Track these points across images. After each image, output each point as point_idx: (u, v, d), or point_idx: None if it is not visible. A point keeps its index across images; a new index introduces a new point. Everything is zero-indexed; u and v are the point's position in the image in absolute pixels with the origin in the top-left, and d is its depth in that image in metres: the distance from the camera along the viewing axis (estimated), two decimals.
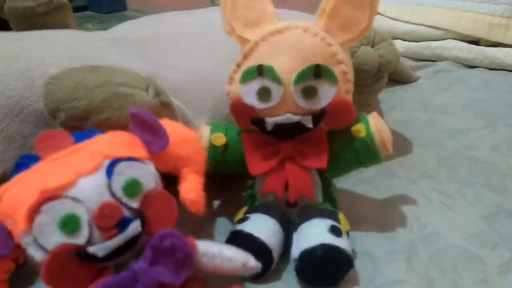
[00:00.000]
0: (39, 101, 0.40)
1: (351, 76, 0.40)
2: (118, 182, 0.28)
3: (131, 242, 0.28)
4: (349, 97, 0.40)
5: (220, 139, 0.44)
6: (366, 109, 0.43)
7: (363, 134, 0.41)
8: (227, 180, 0.55)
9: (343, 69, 0.39)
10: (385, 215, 0.48)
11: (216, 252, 0.33)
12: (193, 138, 0.37)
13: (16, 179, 0.28)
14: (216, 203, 0.52)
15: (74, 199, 0.26)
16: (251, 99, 0.40)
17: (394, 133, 0.66)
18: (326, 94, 0.39)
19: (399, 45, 1.04)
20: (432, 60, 1.01)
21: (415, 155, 0.61)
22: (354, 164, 0.43)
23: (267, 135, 0.42)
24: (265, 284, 0.40)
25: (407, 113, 0.74)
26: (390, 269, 0.40)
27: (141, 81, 0.39)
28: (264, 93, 0.39)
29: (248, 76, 0.40)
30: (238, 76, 0.41)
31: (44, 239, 0.25)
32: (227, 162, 0.45)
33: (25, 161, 0.29)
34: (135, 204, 0.29)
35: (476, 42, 1.00)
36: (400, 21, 1.06)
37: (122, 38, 0.54)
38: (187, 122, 0.46)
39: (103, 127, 0.35)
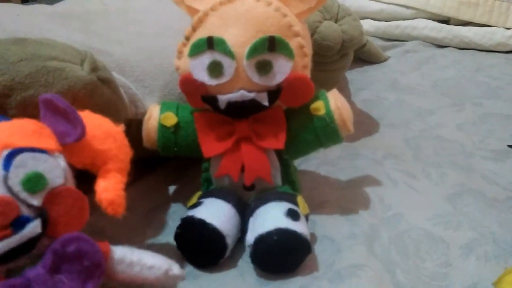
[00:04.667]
0: None
1: (308, 50, 0.38)
2: (17, 175, 0.24)
3: (28, 245, 0.25)
4: (307, 73, 0.38)
5: (171, 119, 0.41)
6: (332, 88, 0.41)
7: (322, 112, 0.39)
8: (185, 163, 0.52)
9: (300, 42, 0.36)
10: (348, 198, 0.46)
11: (135, 259, 0.29)
12: (118, 133, 0.32)
13: None
14: (172, 188, 0.49)
15: None
16: (201, 74, 0.37)
17: (361, 113, 0.65)
18: (282, 69, 0.36)
19: (369, 24, 1.02)
20: (402, 40, 1.00)
21: (381, 135, 0.59)
22: (313, 144, 0.41)
23: (220, 114, 0.39)
24: (219, 272, 0.38)
25: (375, 93, 0.72)
26: (350, 253, 0.39)
27: (76, 55, 0.35)
28: (215, 68, 0.36)
29: (197, 49, 0.36)
30: (187, 49, 0.38)
31: None
32: (179, 143, 0.42)
33: None
34: (36, 201, 0.25)
35: (446, 21, 0.99)
36: (371, 0, 1.04)
37: (66, 11, 0.50)
38: (135, 101, 0.43)
39: (28, 105, 0.31)
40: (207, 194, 0.41)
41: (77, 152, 0.29)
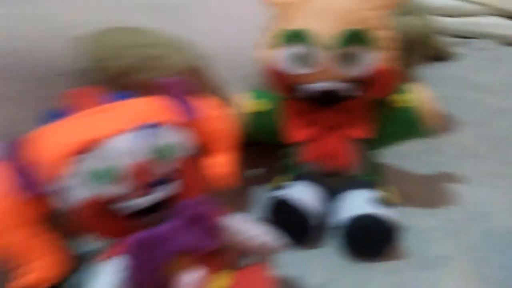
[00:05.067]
0: (78, 62, 0.39)
1: (395, 43, 0.38)
2: (155, 144, 0.27)
3: (162, 204, 0.28)
4: (392, 65, 0.38)
5: (260, 106, 0.43)
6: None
7: (407, 104, 0.39)
8: (265, 150, 0.53)
9: (387, 35, 0.37)
10: (433, 192, 0.46)
11: (241, 227, 0.32)
12: (226, 113, 0.36)
13: (54, 126, 0.27)
14: (252, 172, 0.51)
15: (110, 153, 0.26)
16: (287, 64, 0.38)
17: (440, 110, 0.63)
18: (368, 61, 0.36)
19: (438, 21, 0.98)
20: (471, 37, 0.96)
21: (462, 133, 0.57)
22: (397, 136, 0.41)
23: (307, 103, 0.40)
24: (303, 251, 0.39)
25: (450, 91, 0.70)
26: (437, 244, 0.38)
27: (176, 44, 0.38)
28: (301, 59, 0.37)
29: (284, 41, 0.37)
30: (273, 41, 0.39)
31: (79, 188, 0.25)
32: (266, 129, 0.43)
33: (54, 113, 0.29)
34: (170, 167, 0.28)
35: None
36: None
37: (151, 4, 0.53)
38: (218, 89, 0.45)
39: (137, 87, 0.34)
40: (292, 178, 0.41)
41: (196, 129, 0.32)
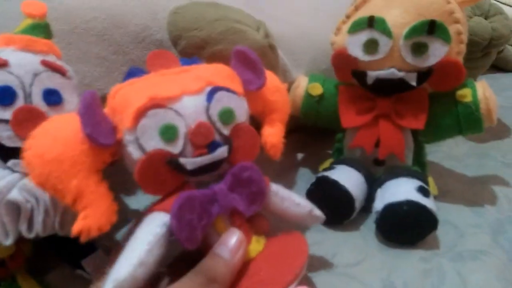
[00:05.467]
0: (160, 32, 0.44)
1: (465, 37, 0.39)
2: (216, 107, 0.29)
3: (216, 164, 0.29)
4: (460, 59, 0.39)
5: (317, 89, 0.45)
6: None
7: (468, 99, 0.40)
8: (313, 135, 0.56)
9: (459, 29, 0.38)
10: (473, 191, 0.47)
11: (286, 195, 0.34)
12: (284, 89, 0.38)
13: (130, 82, 0.29)
14: (300, 155, 0.54)
15: (177, 112, 0.27)
16: (356, 50, 0.40)
17: None
18: (437, 52, 0.38)
19: None
20: None
21: None
22: (452, 130, 0.42)
23: (365, 90, 0.42)
24: (342, 231, 0.41)
25: (508, 100, 0.69)
26: (474, 239, 0.40)
27: (254, 22, 0.41)
28: (371, 45, 0.39)
29: (357, 27, 0.40)
30: (346, 27, 0.41)
31: (145, 141, 0.27)
32: (320, 112, 0.46)
33: (135, 71, 0.31)
34: (226, 131, 0.29)
35: None
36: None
37: None
38: (285, 71, 0.48)
39: (217, 58, 0.37)
40: (339, 162, 0.44)
41: (253, 99, 0.33)
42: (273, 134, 0.35)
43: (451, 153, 0.54)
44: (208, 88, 0.29)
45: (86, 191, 0.26)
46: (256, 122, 0.34)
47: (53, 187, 0.25)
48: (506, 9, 0.95)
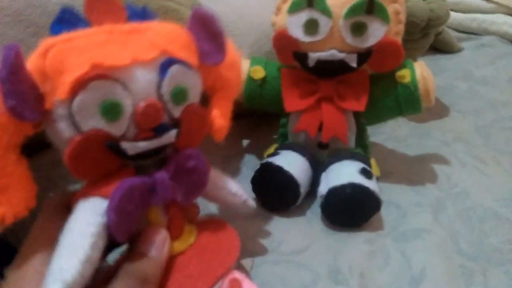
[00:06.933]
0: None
1: (403, 17, 0.39)
2: (169, 85, 0.25)
3: (161, 149, 0.26)
4: (399, 39, 0.39)
5: (259, 73, 0.44)
6: None
7: (407, 80, 0.40)
8: (258, 120, 0.55)
9: (397, 9, 0.38)
10: (415, 171, 0.48)
11: (224, 184, 0.32)
12: (239, 64, 0.34)
13: (67, 38, 0.23)
14: (245, 141, 0.52)
15: (124, 85, 0.23)
16: (297, 31, 0.39)
17: None
18: (376, 32, 0.37)
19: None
20: (478, 33, 0.96)
21: (451, 119, 0.59)
22: (393, 111, 0.42)
23: (307, 72, 0.41)
24: (288, 218, 0.41)
25: (447, 81, 0.72)
26: (416, 218, 0.40)
27: (188, 0, 0.38)
28: (311, 26, 0.38)
29: (297, 7, 0.39)
30: (286, 6, 0.40)
31: (82, 118, 0.22)
32: (263, 96, 0.44)
33: (70, 17, 0.24)
34: (176, 112, 0.26)
35: None
36: None
37: None
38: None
39: None
40: (284, 147, 0.43)
41: (206, 72, 0.29)
42: (221, 116, 0.31)
43: (394, 134, 0.55)
44: (162, 59, 0.24)
45: (1, 173, 0.22)
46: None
47: None
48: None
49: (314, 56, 0.39)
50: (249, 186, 0.41)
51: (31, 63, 0.23)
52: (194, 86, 0.27)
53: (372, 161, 0.42)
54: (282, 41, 0.41)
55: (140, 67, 0.24)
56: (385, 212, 0.41)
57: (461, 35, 0.96)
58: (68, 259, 0.21)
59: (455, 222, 0.40)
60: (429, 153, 0.51)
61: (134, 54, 0.23)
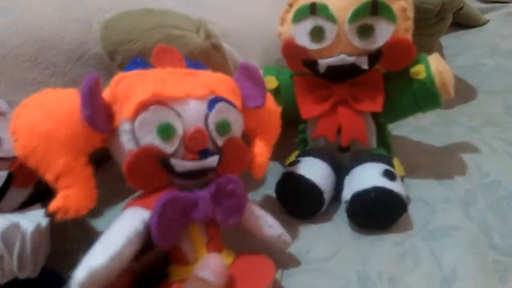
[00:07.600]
0: (97, 46, 0.41)
1: (410, 13, 0.38)
2: (215, 117, 0.30)
3: (204, 172, 0.30)
4: (409, 36, 0.38)
5: (272, 83, 0.44)
6: (427, 54, 0.41)
7: (422, 75, 0.39)
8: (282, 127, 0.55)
9: (402, 5, 0.37)
10: (443, 163, 0.46)
11: (261, 215, 0.34)
12: (278, 113, 0.38)
13: (137, 73, 0.29)
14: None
15: (178, 113, 0.28)
16: (303, 39, 0.39)
17: (457, 80, 0.62)
18: (383, 33, 0.37)
19: None
20: (503, 1, 0.92)
21: (479, 102, 0.57)
22: (411, 108, 0.41)
23: (319, 78, 0.41)
24: (315, 224, 0.41)
25: (472, 59, 0.69)
26: (445, 215, 0.39)
27: (192, 23, 0.39)
28: (317, 33, 0.38)
29: (300, 15, 0.38)
30: (290, 16, 0.40)
31: (141, 134, 0.27)
32: (279, 105, 0.44)
33: (139, 62, 0.31)
34: (220, 142, 0.30)
35: None
36: None
37: None
38: (237, 67, 0.46)
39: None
40: (304, 154, 0.43)
41: (249, 115, 0.33)
42: (262, 154, 0.35)
43: (419, 124, 0.54)
44: (211, 97, 0.30)
45: (71, 172, 0.26)
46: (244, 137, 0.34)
47: (36, 161, 0.25)
48: None
49: (323, 62, 0.39)
50: (273, 195, 0.41)
51: (106, 91, 0.28)
52: (236, 122, 0.31)
53: (395, 161, 0.41)
54: (290, 50, 0.41)
55: (192, 100, 0.29)
56: (414, 210, 0.40)
57: (485, 5, 0.91)
58: (99, 252, 0.24)
59: (486, 215, 0.39)
60: (457, 142, 0.49)
61: (188, 90, 0.29)
